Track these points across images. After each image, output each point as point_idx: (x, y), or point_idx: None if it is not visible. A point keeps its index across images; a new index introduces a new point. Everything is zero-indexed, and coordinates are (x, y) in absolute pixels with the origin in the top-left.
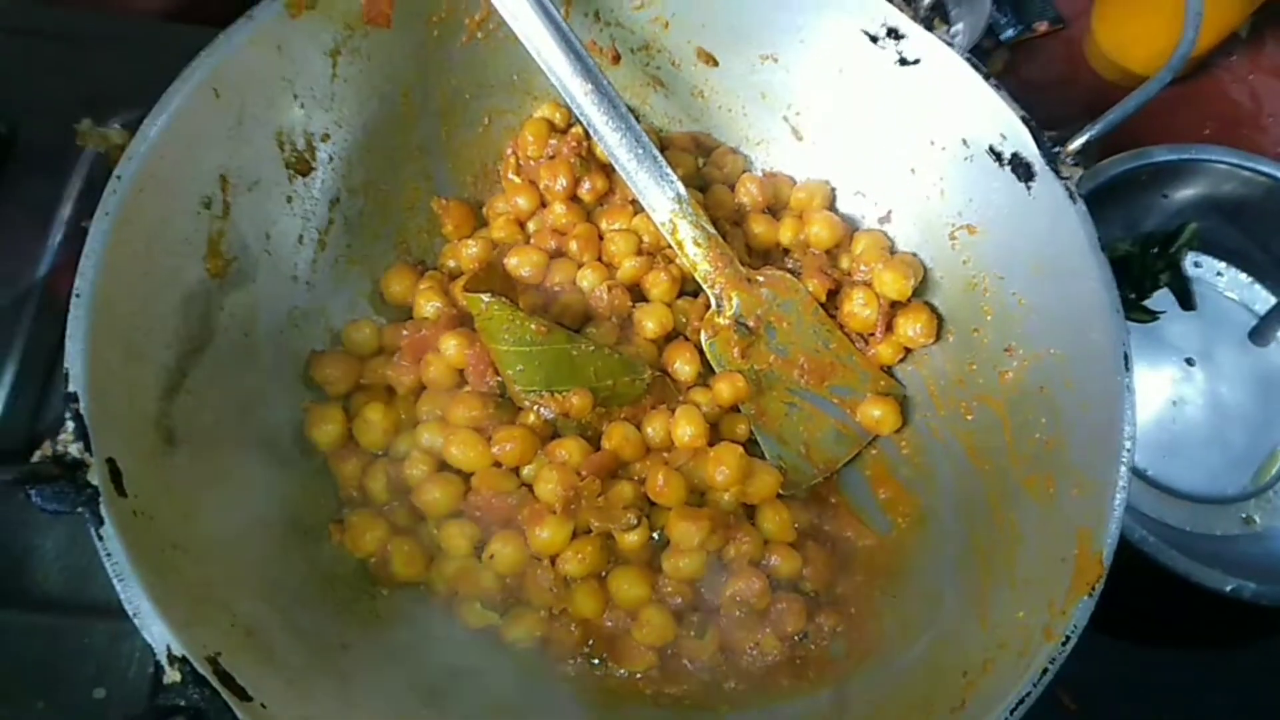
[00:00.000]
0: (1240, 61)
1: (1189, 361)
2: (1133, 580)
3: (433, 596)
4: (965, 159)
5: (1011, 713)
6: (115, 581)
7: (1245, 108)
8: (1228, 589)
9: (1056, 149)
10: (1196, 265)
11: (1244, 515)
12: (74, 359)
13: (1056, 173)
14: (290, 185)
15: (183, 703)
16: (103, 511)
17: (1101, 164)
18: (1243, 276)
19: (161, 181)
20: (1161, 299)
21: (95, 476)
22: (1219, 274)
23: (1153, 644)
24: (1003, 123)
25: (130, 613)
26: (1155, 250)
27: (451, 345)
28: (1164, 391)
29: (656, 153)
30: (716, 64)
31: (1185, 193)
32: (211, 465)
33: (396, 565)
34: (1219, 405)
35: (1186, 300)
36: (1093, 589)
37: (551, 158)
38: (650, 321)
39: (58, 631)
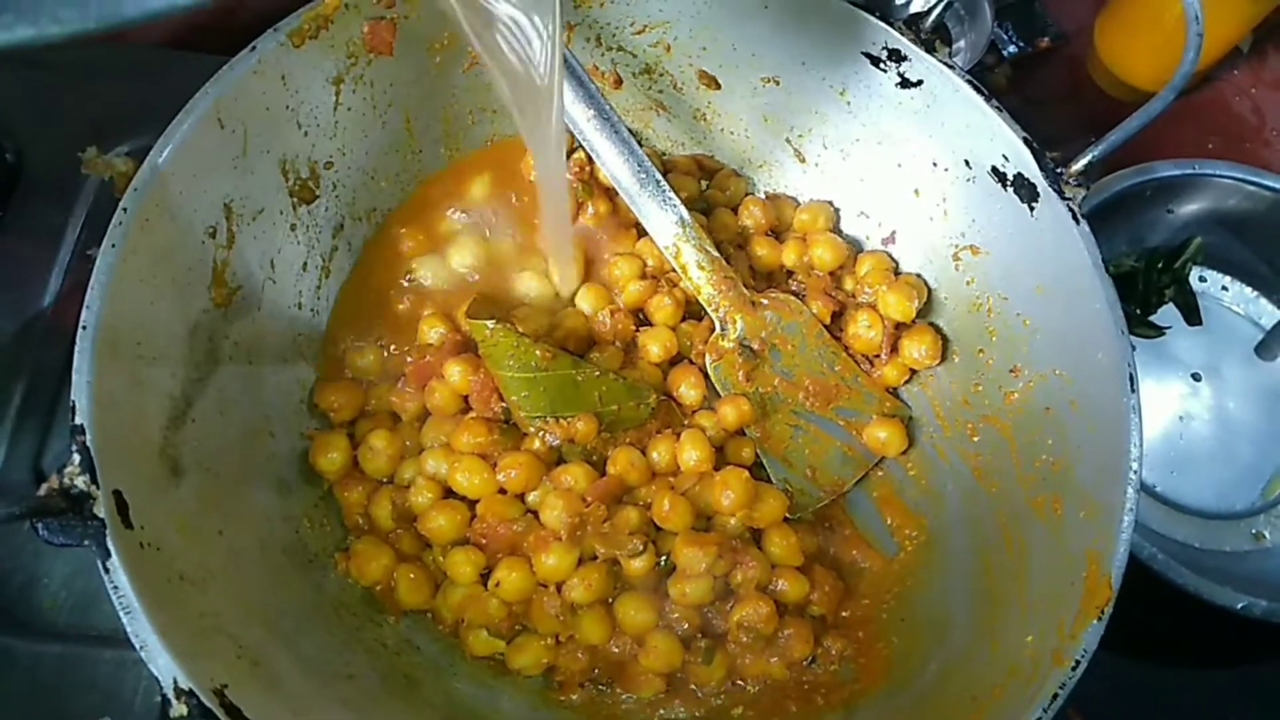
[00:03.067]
0: (1243, 76)
1: (1195, 377)
2: (1143, 597)
3: (439, 624)
4: (968, 180)
5: None
6: (121, 614)
7: (1248, 122)
8: (1238, 606)
9: (1059, 170)
10: (1202, 280)
11: (1254, 531)
12: (80, 391)
13: (1060, 194)
14: (294, 213)
15: None
16: (109, 544)
17: (1105, 179)
18: (1248, 291)
19: (167, 212)
20: (1167, 314)
21: (101, 509)
22: (1224, 288)
23: (1163, 662)
24: (1005, 144)
25: (137, 646)
26: (1160, 265)
27: (456, 371)
28: (1171, 407)
29: (659, 176)
30: (719, 87)
31: (1190, 208)
32: (217, 495)
33: (402, 593)
34: (1226, 420)
35: (1192, 315)
36: (1102, 613)
37: None
38: (655, 345)
39: (64, 660)
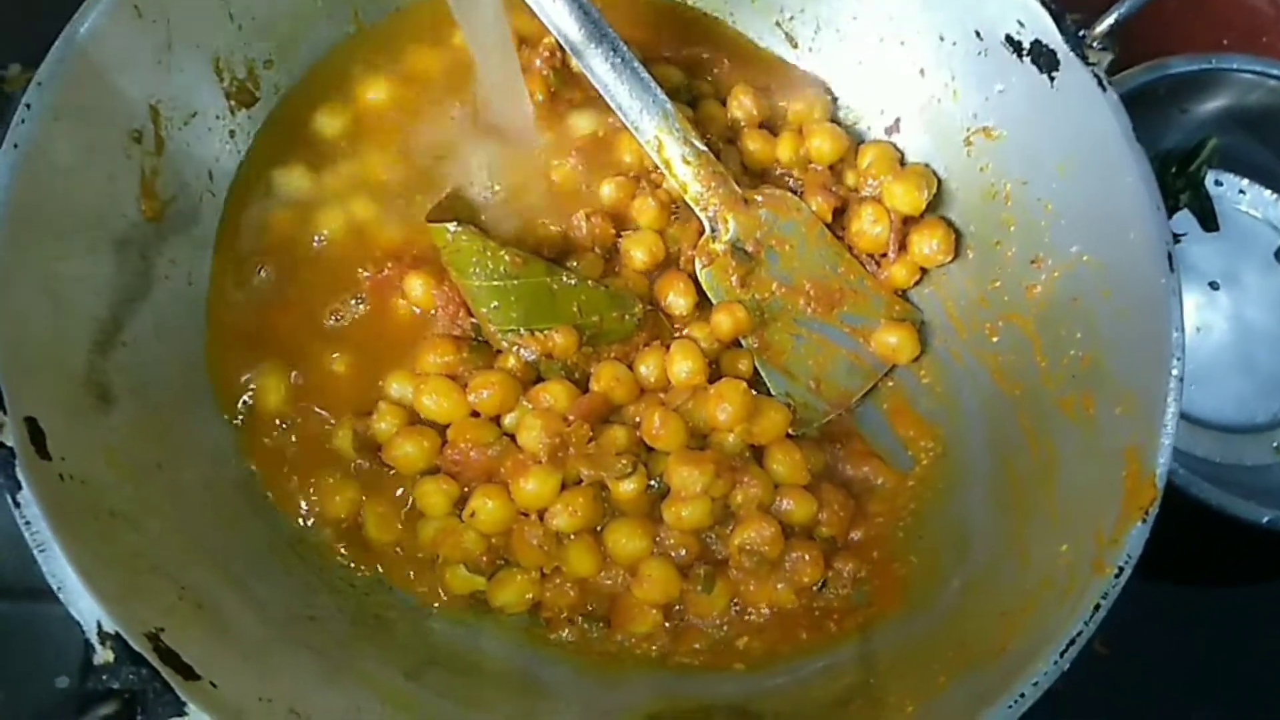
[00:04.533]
0: None
1: (1213, 285)
2: (1163, 515)
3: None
4: (979, 54)
5: (1061, 655)
6: (35, 551)
7: (1265, 14)
8: (1264, 520)
9: (1081, 33)
10: (1218, 184)
11: (1275, 444)
12: None
13: (1083, 59)
14: (233, 118)
15: (117, 685)
16: (20, 475)
17: (1116, 78)
18: (1267, 194)
19: (81, 111)
20: (1182, 221)
21: (10, 437)
22: (1241, 192)
23: (1186, 581)
24: (1019, 8)
25: (54, 587)
26: (1174, 169)
27: (417, 285)
28: (1187, 318)
29: (638, 64)
30: None
31: (1205, 106)
32: (155, 425)
33: (370, 529)
34: (1246, 329)
35: (1208, 221)
36: (1146, 514)
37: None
38: (639, 251)
39: (12, 618)
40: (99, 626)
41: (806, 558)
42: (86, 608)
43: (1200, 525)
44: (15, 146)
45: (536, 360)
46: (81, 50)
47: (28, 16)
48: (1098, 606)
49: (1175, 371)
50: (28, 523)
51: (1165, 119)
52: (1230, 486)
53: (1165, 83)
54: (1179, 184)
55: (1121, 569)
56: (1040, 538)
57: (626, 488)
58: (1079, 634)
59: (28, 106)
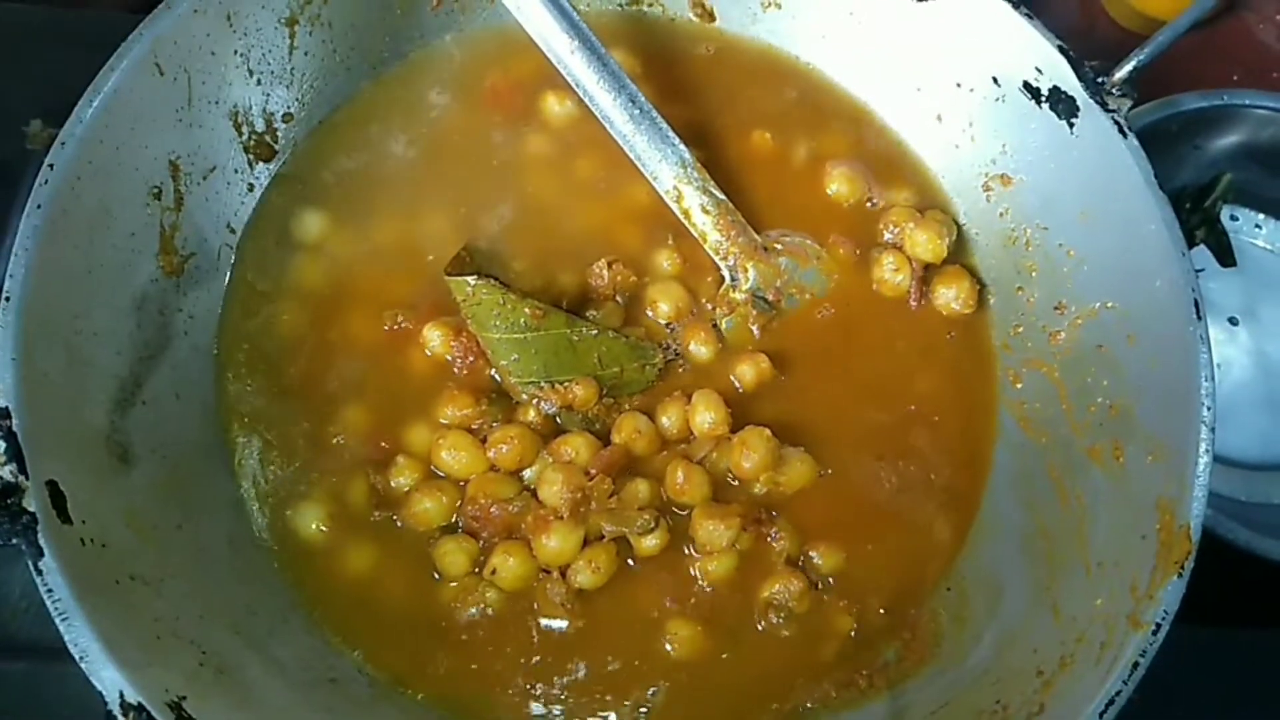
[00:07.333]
0: (1267, 1)
1: (1232, 321)
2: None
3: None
4: (997, 100)
5: (1100, 716)
6: (58, 620)
7: (1275, 50)
8: None
9: (1100, 80)
10: (1234, 219)
11: None
12: (4, 369)
13: (1102, 105)
14: (251, 172)
15: None
16: (41, 541)
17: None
18: None
19: (102, 169)
20: (1199, 257)
21: (32, 502)
22: (1258, 226)
23: (1216, 623)
24: (1037, 55)
25: (76, 656)
26: (1189, 206)
27: (435, 336)
28: None
29: (656, 114)
30: (714, 18)
31: (1218, 142)
32: (175, 484)
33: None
34: (1268, 365)
35: (1225, 256)
36: (1182, 568)
37: None
38: (664, 302)
39: (30, 679)
40: (121, 697)
41: (834, 611)
42: (109, 678)
43: (1229, 565)
44: (39, 207)
45: (557, 412)
46: (104, 109)
47: (47, 72)
48: (1136, 665)
49: (1206, 420)
50: (50, 590)
51: (1178, 156)
52: (1259, 526)
53: (1177, 120)
54: (1194, 220)
55: (1159, 625)
56: (1073, 591)
57: (649, 543)
58: (1118, 693)
59: (50, 167)
